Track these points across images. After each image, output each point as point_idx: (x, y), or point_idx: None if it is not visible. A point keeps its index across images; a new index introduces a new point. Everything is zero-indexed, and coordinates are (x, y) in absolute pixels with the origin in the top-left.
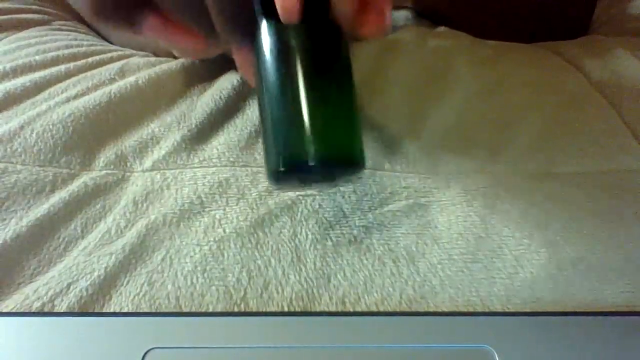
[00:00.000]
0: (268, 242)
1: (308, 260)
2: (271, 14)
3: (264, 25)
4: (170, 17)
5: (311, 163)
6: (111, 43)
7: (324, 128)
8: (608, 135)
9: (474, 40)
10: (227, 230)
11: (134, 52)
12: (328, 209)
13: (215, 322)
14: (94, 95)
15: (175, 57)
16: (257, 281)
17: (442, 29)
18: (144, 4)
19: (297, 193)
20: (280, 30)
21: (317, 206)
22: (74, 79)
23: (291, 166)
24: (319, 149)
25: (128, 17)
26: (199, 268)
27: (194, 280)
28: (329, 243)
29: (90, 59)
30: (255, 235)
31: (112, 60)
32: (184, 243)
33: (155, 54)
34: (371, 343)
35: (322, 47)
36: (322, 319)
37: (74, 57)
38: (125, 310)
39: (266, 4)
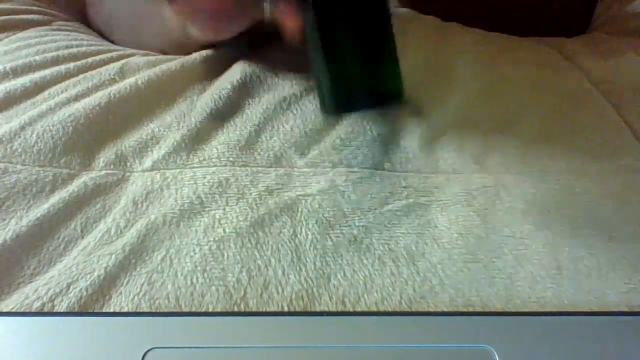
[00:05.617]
0: (268, 242)
1: (308, 260)
2: None
3: None
4: None
5: (364, 95)
6: (112, 42)
7: (372, 67)
8: (608, 134)
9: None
10: (227, 230)
11: (134, 51)
12: (328, 209)
13: (215, 322)
14: (94, 95)
15: (174, 57)
16: (257, 281)
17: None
18: None
19: (297, 193)
20: None
21: (317, 206)
22: (74, 79)
23: (346, 100)
24: (369, 83)
25: None
26: (199, 268)
27: (194, 280)
28: (329, 243)
29: (90, 59)
30: (255, 235)
31: (112, 60)
32: (183, 243)
33: (163, 52)
34: (371, 343)
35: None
36: (322, 319)
37: (74, 57)
38: (125, 310)
39: None
